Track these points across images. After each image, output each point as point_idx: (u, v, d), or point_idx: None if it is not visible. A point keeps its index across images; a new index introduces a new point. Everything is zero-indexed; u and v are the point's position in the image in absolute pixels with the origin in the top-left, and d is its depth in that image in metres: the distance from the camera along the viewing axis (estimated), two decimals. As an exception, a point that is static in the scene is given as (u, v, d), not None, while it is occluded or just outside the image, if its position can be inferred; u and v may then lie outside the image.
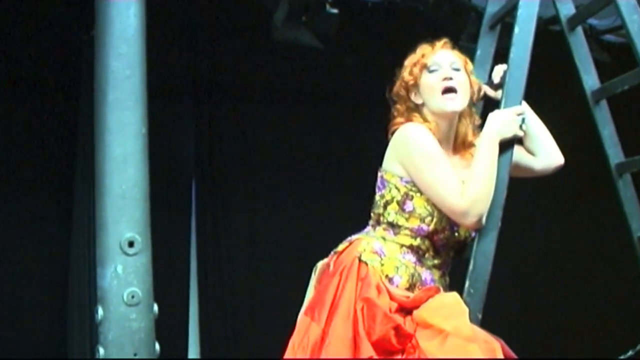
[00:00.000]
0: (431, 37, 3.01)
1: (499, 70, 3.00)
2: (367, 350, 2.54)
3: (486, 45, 3.24)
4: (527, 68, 2.87)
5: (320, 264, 2.88)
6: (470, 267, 2.74)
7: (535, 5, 2.90)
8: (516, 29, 2.89)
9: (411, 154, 2.76)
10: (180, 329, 5.49)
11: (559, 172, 3.11)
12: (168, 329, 5.39)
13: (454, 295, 2.68)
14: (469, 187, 2.71)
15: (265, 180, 5.72)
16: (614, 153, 3.20)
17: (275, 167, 5.72)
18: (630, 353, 2.89)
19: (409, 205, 2.78)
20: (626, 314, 5.99)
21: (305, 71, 5.57)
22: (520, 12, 2.89)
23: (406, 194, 2.78)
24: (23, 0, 4.70)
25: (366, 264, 2.74)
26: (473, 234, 2.82)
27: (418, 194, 2.77)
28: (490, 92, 3.02)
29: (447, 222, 2.78)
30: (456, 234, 2.82)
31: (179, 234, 5.52)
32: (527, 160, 3.01)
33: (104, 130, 3.31)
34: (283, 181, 5.71)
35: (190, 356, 5.55)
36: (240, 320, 5.63)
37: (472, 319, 2.68)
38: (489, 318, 2.78)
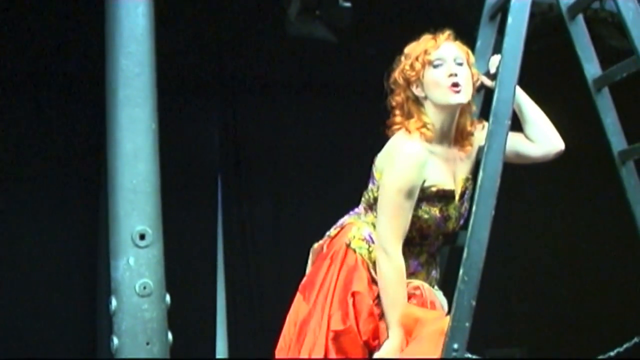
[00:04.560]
0: (447, 26, 3.04)
1: (495, 60, 3.01)
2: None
3: (486, 35, 3.25)
4: (521, 58, 2.89)
5: (316, 245, 2.98)
6: (464, 255, 2.78)
7: (529, -5, 2.92)
8: (509, 19, 2.91)
9: (390, 174, 2.82)
10: (208, 322, 5.59)
11: (562, 160, 3.13)
12: (196, 322, 5.56)
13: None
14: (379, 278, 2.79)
15: (290, 172, 5.79)
16: (617, 141, 3.19)
17: (300, 159, 5.79)
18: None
19: None
20: (629, 307, 5.93)
21: (330, 64, 5.62)
22: (514, 2, 2.91)
23: None
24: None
25: (354, 251, 2.83)
26: (461, 222, 2.88)
27: None
28: (488, 82, 3.05)
29: (433, 221, 2.84)
30: (443, 228, 2.89)
31: (205, 227, 5.63)
32: (527, 147, 3.03)
33: (115, 126, 3.41)
34: (308, 173, 5.78)
35: (217, 349, 5.63)
36: (267, 312, 5.71)
37: (466, 306, 2.74)
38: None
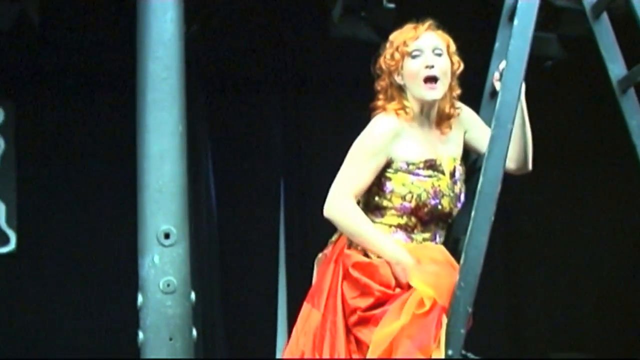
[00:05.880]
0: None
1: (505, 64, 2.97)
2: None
3: (505, 37, 3.19)
4: (526, 60, 2.83)
5: (320, 255, 3.02)
6: (462, 260, 2.75)
7: (535, -4, 2.86)
8: (516, 21, 2.87)
9: (360, 136, 2.93)
10: (269, 321, 5.68)
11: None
12: (257, 320, 5.65)
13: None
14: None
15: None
16: (642, 144, 3.09)
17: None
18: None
19: (388, 186, 2.89)
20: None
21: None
22: (520, 4, 2.87)
23: (382, 176, 2.89)
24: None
25: (356, 249, 2.91)
26: (459, 205, 2.91)
27: (394, 174, 2.85)
28: (499, 86, 3.00)
29: (426, 196, 2.86)
30: (439, 206, 2.88)
31: (267, 228, 5.72)
32: None
33: (143, 129, 3.52)
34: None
35: (277, 347, 5.69)
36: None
37: (462, 312, 2.71)
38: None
